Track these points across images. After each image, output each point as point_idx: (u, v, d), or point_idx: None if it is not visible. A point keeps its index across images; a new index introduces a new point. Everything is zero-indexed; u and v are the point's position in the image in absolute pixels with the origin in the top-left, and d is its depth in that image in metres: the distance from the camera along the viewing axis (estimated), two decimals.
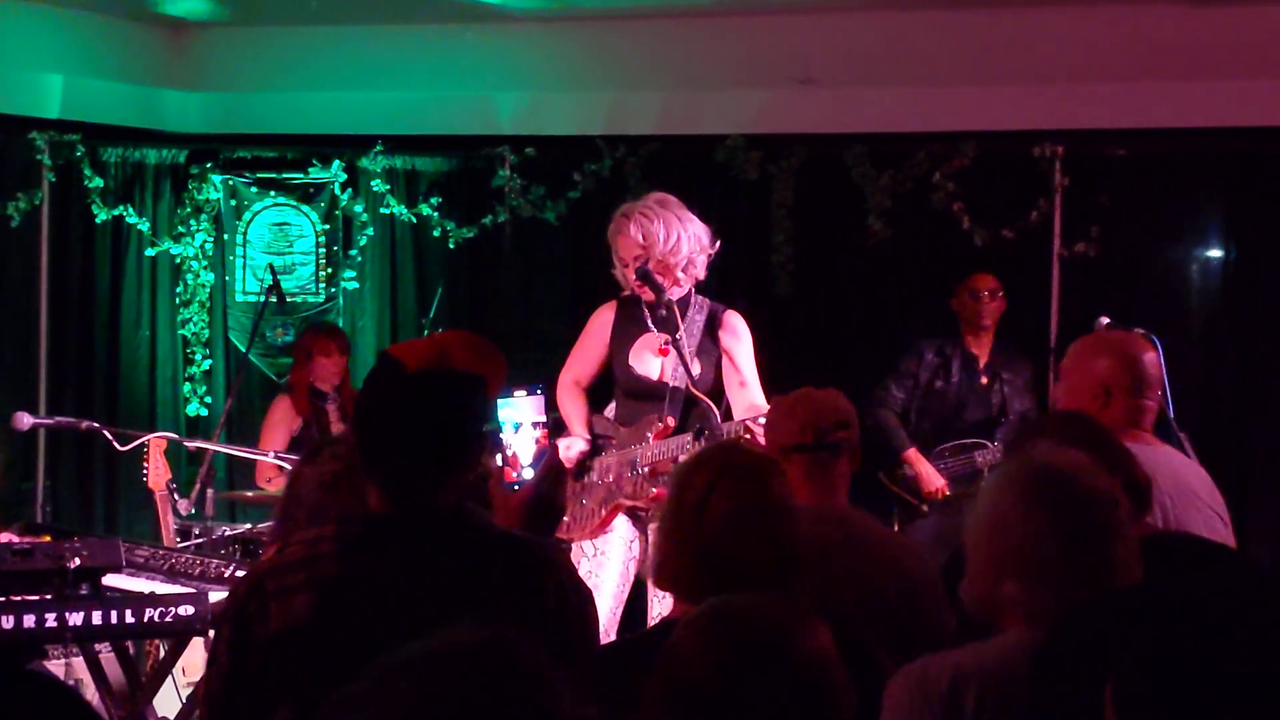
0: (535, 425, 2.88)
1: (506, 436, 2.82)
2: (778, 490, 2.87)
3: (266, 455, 6.05)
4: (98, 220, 7.72)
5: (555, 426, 6.35)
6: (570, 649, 2.45)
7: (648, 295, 5.04)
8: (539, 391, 2.91)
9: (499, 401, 2.80)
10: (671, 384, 4.99)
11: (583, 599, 2.58)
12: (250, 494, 6.43)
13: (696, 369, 4.97)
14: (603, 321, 5.13)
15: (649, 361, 5.05)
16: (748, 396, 4.95)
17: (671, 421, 4.93)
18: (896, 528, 6.30)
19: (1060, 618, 2.28)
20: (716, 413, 4.81)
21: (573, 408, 5.13)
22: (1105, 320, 5.78)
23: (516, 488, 2.79)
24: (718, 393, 4.99)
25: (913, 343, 6.56)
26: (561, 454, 4.82)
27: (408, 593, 2.41)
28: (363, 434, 2.51)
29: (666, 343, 4.99)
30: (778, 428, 3.74)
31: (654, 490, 4.89)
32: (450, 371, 2.49)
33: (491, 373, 2.56)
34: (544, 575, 2.51)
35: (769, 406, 3.84)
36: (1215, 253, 7.16)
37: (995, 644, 2.47)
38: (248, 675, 2.41)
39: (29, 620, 4.06)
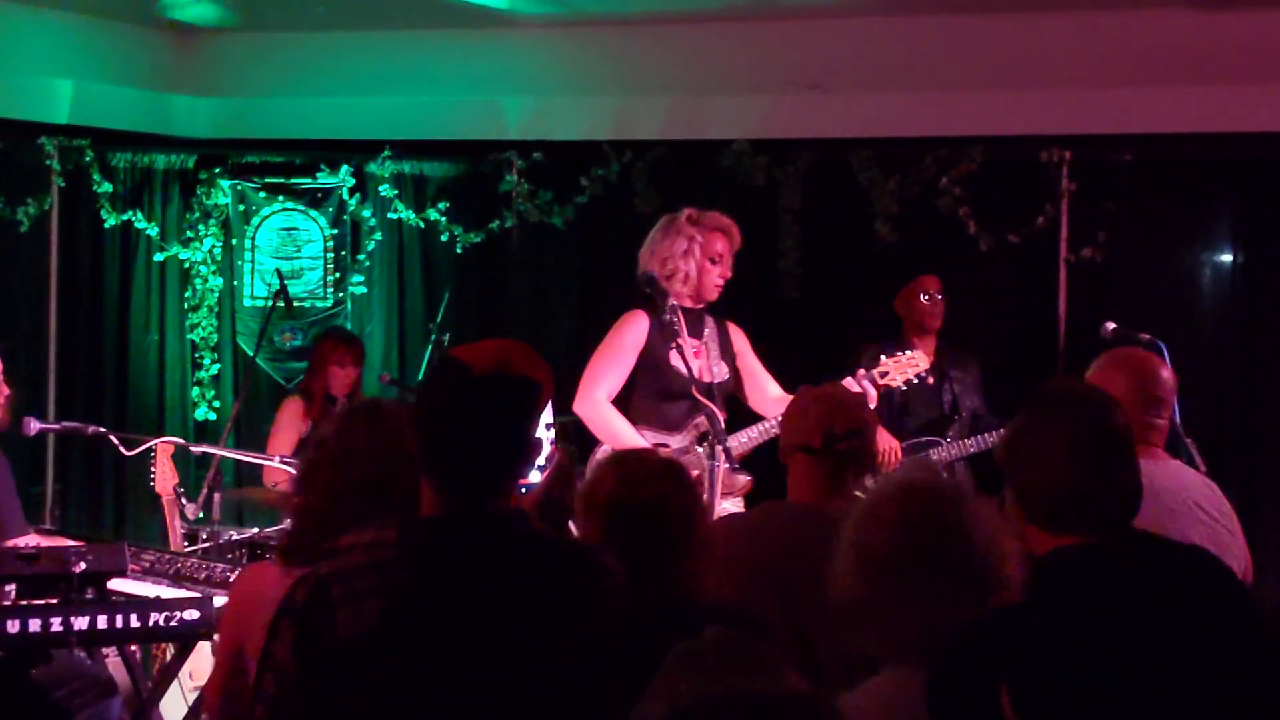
0: (548, 428, 2.92)
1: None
2: (685, 495, 2.93)
3: (273, 460, 6.04)
4: (106, 225, 7.76)
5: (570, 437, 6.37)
6: (627, 645, 2.50)
7: (689, 301, 5.26)
8: None
9: None
10: (715, 381, 5.22)
11: (632, 600, 2.61)
12: (259, 491, 6.45)
13: (725, 370, 5.28)
14: (640, 329, 5.20)
15: (692, 365, 5.21)
16: (775, 388, 5.35)
17: (723, 415, 5.14)
18: None
19: (952, 637, 2.29)
20: (720, 418, 5.04)
21: (625, 424, 5.12)
22: (1111, 326, 5.77)
23: (525, 490, 2.81)
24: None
25: (855, 346, 6.47)
26: None
27: (476, 598, 2.42)
28: (426, 435, 2.51)
29: (726, 353, 5.30)
30: (791, 422, 3.72)
31: (745, 479, 5.10)
32: (516, 375, 2.52)
33: (546, 380, 2.59)
34: (604, 581, 2.53)
35: (793, 397, 3.88)
36: (1222, 257, 7.15)
37: (871, 689, 2.45)
38: (314, 681, 2.40)
39: (34, 625, 4.07)
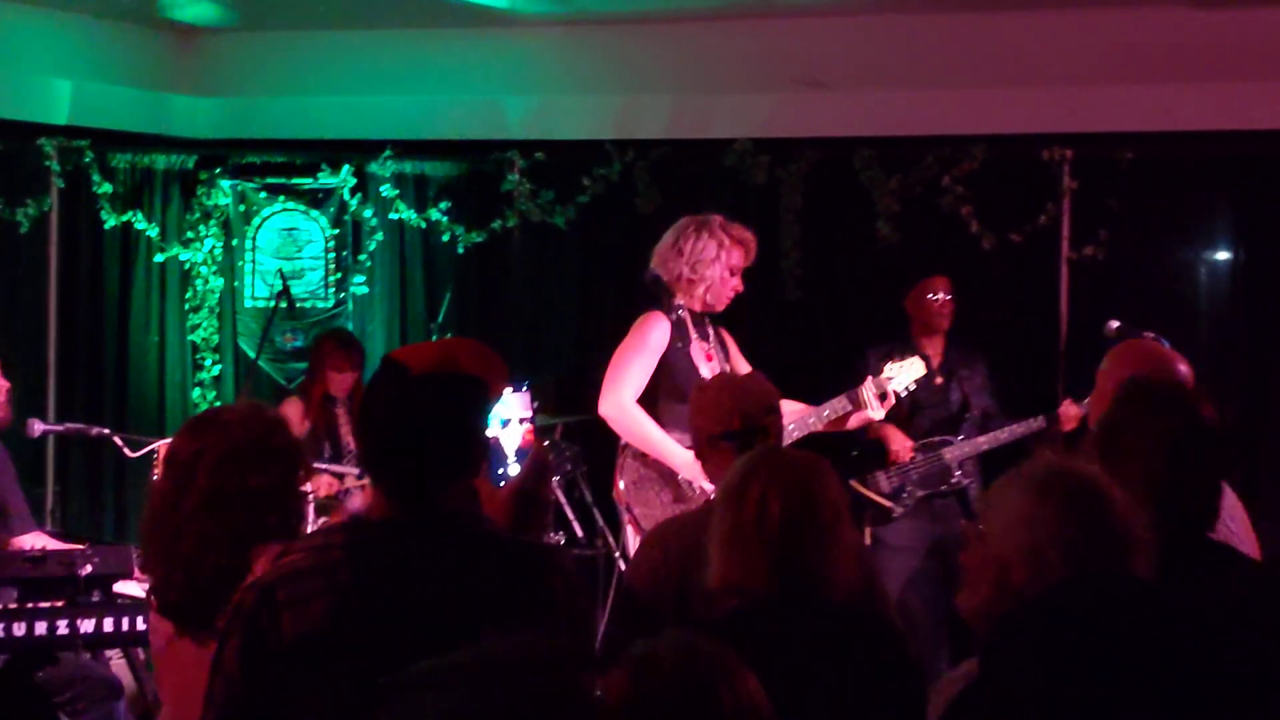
0: (522, 421, 2.91)
1: (494, 432, 2.84)
2: (831, 488, 2.94)
3: None
4: (106, 226, 7.75)
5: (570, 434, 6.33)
6: (578, 648, 2.49)
7: (699, 305, 5.23)
8: (525, 388, 2.93)
9: None
10: None
11: (586, 601, 2.60)
12: None
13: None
14: (663, 331, 5.13)
15: (705, 367, 5.18)
16: None
17: None
18: (868, 532, 6.27)
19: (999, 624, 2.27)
20: None
21: (654, 426, 5.03)
22: (1116, 324, 5.78)
23: (503, 483, 2.81)
24: None
25: (861, 350, 6.47)
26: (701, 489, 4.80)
27: (422, 599, 2.41)
28: (368, 438, 2.52)
29: (727, 358, 5.30)
30: (701, 417, 3.76)
31: None
32: (455, 374, 2.51)
33: (493, 377, 2.57)
34: (552, 578, 2.53)
35: (691, 396, 3.92)
36: (1224, 255, 7.15)
37: None
38: (261, 685, 2.40)
39: (41, 627, 4.09)
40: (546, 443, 5.99)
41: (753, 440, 3.60)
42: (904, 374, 5.35)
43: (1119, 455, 2.65)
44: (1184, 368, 3.94)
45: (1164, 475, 2.59)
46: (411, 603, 2.40)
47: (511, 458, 2.85)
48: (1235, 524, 3.88)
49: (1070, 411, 6.06)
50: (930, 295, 6.48)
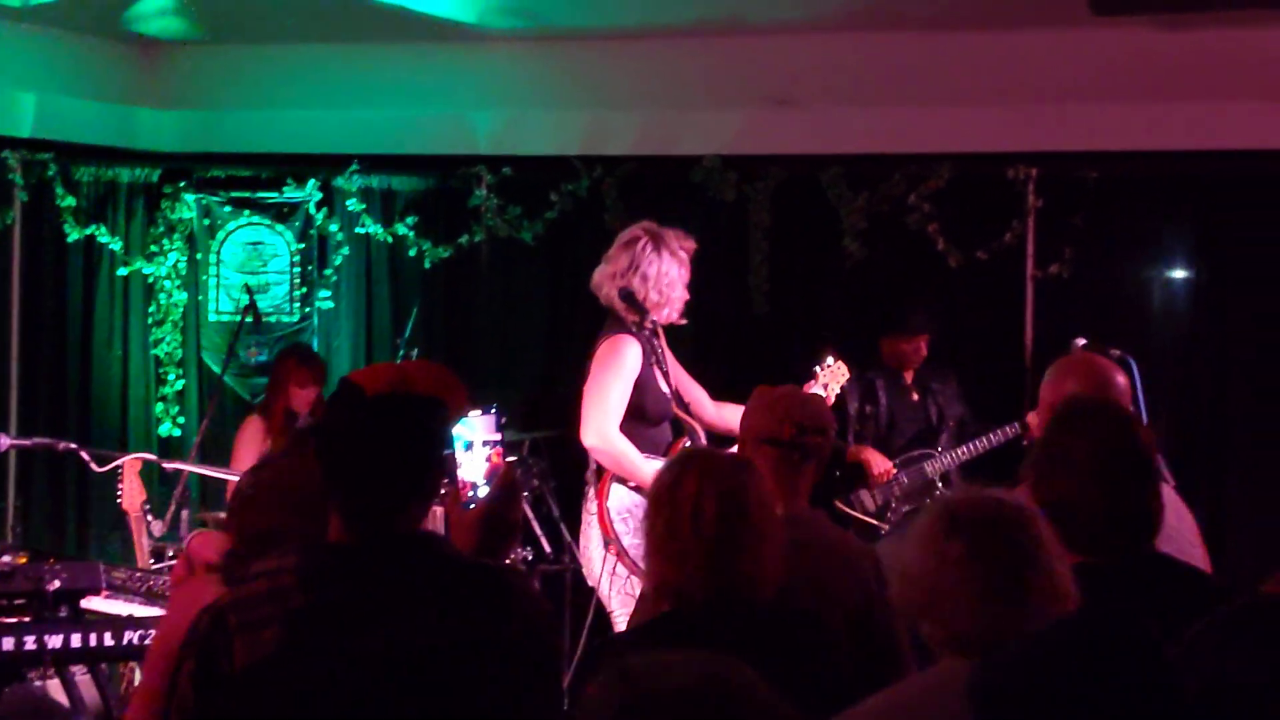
0: (486, 444, 2.90)
1: (458, 455, 2.84)
2: (760, 488, 2.96)
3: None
4: (70, 239, 7.68)
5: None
6: (539, 672, 2.48)
7: (663, 322, 5.19)
8: (492, 411, 2.93)
9: None
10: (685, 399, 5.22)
11: (548, 623, 2.58)
12: (224, 515, 6.38)
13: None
14: (637, 354, 5.04)
15: (665, 386, 5.13)
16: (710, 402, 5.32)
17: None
18: None
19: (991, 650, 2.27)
20: (701, 435, 5.04)
21: (642, 458, 4.95)
22: (1082, 341, 5.82)
23: (471, 506, 2.80)
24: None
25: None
26: None
27: (375, 624, 2.38)
28: (324, 460, 2.49)
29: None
30: (756, 416, 3.75)
31: None
32: (411, 395, 2.48)
33: (451, 398, 2.55)
34: (510, 602, 2.49)
35: (753, 395, 3.91)
36: (1187, 274, 7.21)
37: (921, 680, 2.41)
38: (213, 712, 2.37)
39: (8, 643, 4.03)
40: (515, 459, 5.98)
41: (794, 454, 3.61)
42: (835, 382, 5.39)
43: (1052, 474, 2.67)
44: (1121, 379, 3.95)
45: (1095, 494, 2.60)
46: (364, 628, 2.37)
47: (478, 481, 2.83)
48: (1189, 533, 3.89)
49: (1036, 420, 6.13)
50: (913, 349, 6.59)
